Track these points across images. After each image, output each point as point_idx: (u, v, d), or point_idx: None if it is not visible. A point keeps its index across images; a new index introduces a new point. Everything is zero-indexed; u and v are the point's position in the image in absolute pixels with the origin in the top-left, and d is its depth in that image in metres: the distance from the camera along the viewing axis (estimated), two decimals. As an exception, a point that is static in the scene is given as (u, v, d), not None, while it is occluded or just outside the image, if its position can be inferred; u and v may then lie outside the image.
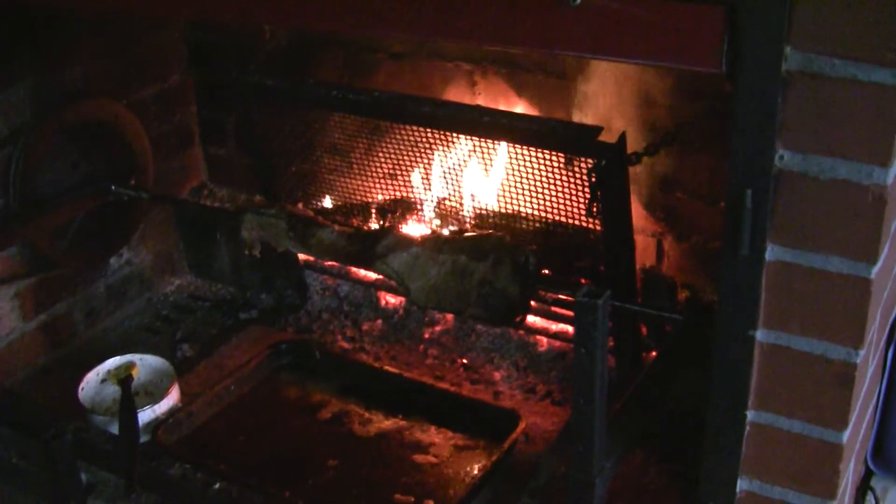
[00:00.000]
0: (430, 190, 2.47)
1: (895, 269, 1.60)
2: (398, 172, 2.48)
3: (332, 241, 2.13)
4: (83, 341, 2.70)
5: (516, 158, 2.22)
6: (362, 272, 2.71)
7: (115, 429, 2.18)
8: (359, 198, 2.60)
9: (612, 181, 2.05)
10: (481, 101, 2.52)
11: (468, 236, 2.03)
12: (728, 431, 1.54)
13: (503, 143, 2.24)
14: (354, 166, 2.55)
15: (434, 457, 2.21)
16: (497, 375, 2.50)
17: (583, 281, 2.26)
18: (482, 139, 2.28)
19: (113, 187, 2.51)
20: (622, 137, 2.01)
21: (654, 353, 2.33)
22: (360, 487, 2.12)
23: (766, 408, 1.50)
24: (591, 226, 2.17)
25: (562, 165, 2.15)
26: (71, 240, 2.56)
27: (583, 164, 2.08)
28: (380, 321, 2.71)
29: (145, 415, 2.22)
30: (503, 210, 2.35)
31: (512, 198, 2.30)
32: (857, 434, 1.64)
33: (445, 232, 2.35)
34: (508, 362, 2.52)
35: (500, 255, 1.95)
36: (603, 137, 2.03)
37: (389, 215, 2.54)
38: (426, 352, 2.60)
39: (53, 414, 2.22)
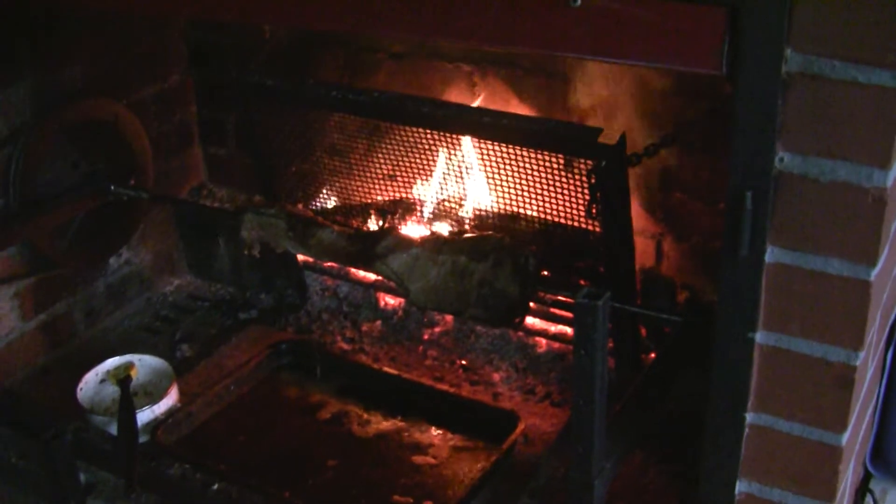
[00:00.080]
0: (429, 191, 2.47)
1: (895, 271, 1.60)
2: (398, 173, 2.48)
3: (331, 242, 2.13)
4: (83, 341, 2.70)
5: (516, 159, 2.21)
6: (362, 273, 2.71)
7: (114, 429, 2.18)
8: (358, 198, 2.60)
9: (612, 182, 2.05)
10: (481, 102, 2.52)
11: (468, 237, 2.03)
12: (727, 433, 1.54)
13: (503, 144, 2.23)
14: (354, 167, 2.55)
15: (433, 458, 2.21)
16: (496, 377, 2.49)
17: (582, 282, 2.26)
18: (482, 140, 2.28)
19: (112, 187, 2.51)
20: (622, 139, 2.00)
21: (653, 355, 2.33)
22: (359, 488, 2.12)
23: (766, 410, 1.50)
24: (590, 227, 2.17)
25: (561, 166, 2.15)
26: (70, 240, 2.56)
27: (582, 166, 2.08)
28: (379, 322, 2.71)
29: (144, 415, 2.22)
30: (503, 211, 2.35)
31: (512, 199, 2.30)
32: (856, 436, 1.64)
33: (445, 233, 2.35)
34: (508, 363, 2.52)
35: (499, 256, 1.95)
36: (602, 138, 2.03)
37: (389, 216, 2.54)
38: (425, 353, 2.60)
39: (53, 414, 2.22)
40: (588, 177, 2.07)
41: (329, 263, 2.63)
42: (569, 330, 2.46)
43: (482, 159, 2.31)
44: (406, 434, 2.28)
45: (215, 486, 2.02)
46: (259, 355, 2.50)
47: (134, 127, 2.65)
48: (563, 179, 2.16)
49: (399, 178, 2.49)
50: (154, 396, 2.33)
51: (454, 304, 2.01)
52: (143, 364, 2.42)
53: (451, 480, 2.13)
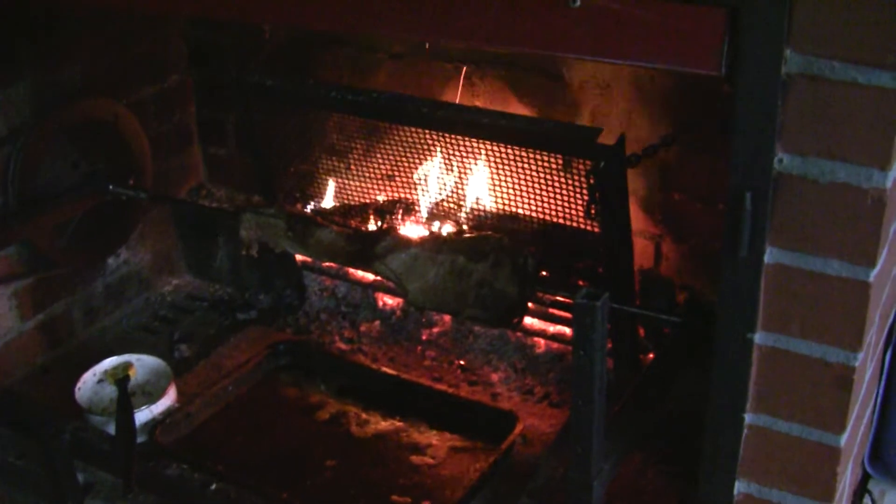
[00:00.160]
0: (428, 191, 2.47)
1: (893, 272, 1.61)
2: (397, 173, 2.48)
3: (330, 242, 2.13)
4: (81, 341, 2.70)
5: (515, 160, 2.22)
6: (360, 273, 2.71)
7: (112, 429, 2.18)
8: (358, 198, 2.60)
9: (611, 183, 2.05)
10: (480, 102, 2.52)
11: (467, 237, 2.03)
12: (727, 433, 1.54)
13: (502, 145, 2.23)
14: (353, 167, 2.55)
15: (431, 458, 2.21)
16: (495, 377, 2.49)
17: (581, 283, 2.26)
18: (481, 140, 2.28)
19: (111, 187, 2.51)
20: (621, 139, 2.01)
21: (652, 355, 2.33)
22: (357, 488, 2.12)
23: (765, 410, 1.50)
24: (589, 227, 2.17)
25: (560, 167, 2.15)
26: (69, 239, 2.55)
27: (581, 166, 2.09)
28: (378, 322, 2.71)
29: (142, 415, 2.22)
30: (502, 211, 2.35)
31: (511, 199, 2.30)
32: (854, 437, 1.65)
33: (444, 233, 2.35)
34: (506, 364, 2.52)
35: (498, 257, 1.95)
36: (602, 139, 2.03)
37: (388, 216, 2.54)
38: (424, 353, 2.60)
39: (51, 414, 2.21)
40: (587, 177, 2.07)
41: (328, 264, 2.63)
42: (567, 330, 2.46)
43: (481, 160, 2.32)
44: (405, 434, 2.28)
45: (213, 487, 2.02)
46: (258, 355, 2.50)
47: (133, 127, 2.65)
48: (562, 180, 2.16)
49: (398, 179, 2.49)
50: (152, 396, 2.33)
51: (453, 304, 2.01)
52: (142, 364, 2.41)
53: (449, 481, 2.13)
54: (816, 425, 1.48)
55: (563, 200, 2.20)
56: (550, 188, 2.20)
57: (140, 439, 2.17)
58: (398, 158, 2.44)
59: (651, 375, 1.94)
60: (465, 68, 2.50)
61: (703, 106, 2.13)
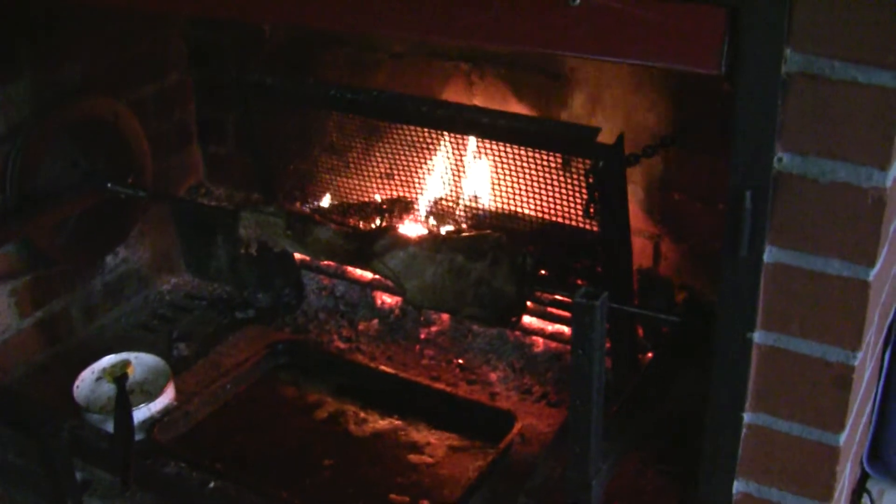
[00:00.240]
0: (427, 190, 2.47)
1: (893, 272, 1.61)
2: (396, 172, 2.48)
3: (329, 240, 2.13)
4: (80, 339, 2.69)
5: (514, 159, 2.21)
6: (359, 272, 2.71)
7: (110, 427, 2.18)
8: (357, 197, 2.60)
9: (610, 182, 2.05)
10: (479, 101, 2.52)
11: (465, 236, 2.03)
12: (726, 433, 1.54)
13: (501, 144, 2.24)
14: (352, 166, 2.55)
15: (430, 457, 2.20)
16: (493, 376, 2.49)
17: (580, 282, 2.26)
18: (480, 139, 2.28)
19: (111, 185, 2.51)
20: (620, 138, 2.01)
21: (650, 355, 2.33)
22: (355, 487, 2.12)
23: (764, 410, 1.50)
24: (588, 227, 2.17)
25: (559, 166, 2.15)
26: (68, 237, 2.55)
27: (580, 165, 2.09)
28: (376, 321, 2.71)
29: (141, 413, 2.22)
30: (501, 210, 2.35)
31: (509, 198, 2.30)
32: (854, 436, 1.65)
33: (442, 232, 2.35)
34: (505, 363, 2.52)
35: (497, 255, 1.95)
36: (601, 138, 2.03)
37: (387, 215, 2.54)
38: (422, 352, 2.60)
39: (50, 412, 2.21)
40: (586, 176, 2.07)
41: (326, 262, 2.63)
42: (566, 329, 2.46)
43: (480, 158, 2.32)
44: (403, 433, 2.28)
45: (211, 485, 2.02)
46: (256, 354, 2.50)
47: (133, 125, 2.65)
48: (561, 179, 2.16)
49: (397, 177, 2.49)
50: (151, 395, 2.33)
51: (451, 302, 2.01)
52: (140, 362, 2.41)
53: (447, 480, 2.13)
54: (816, 425, 1.48)
55: (562, 199, 2.20)
56: (549, 187, 2.20)
57: (138, 437, 2.16)
58: (397, 157, 2.44)
59: (650, 375, 1.94)
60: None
61: (704, 106, 2.13)
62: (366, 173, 2.54)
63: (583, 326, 1.49)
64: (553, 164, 2.16)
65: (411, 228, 2.49)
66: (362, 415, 2.35)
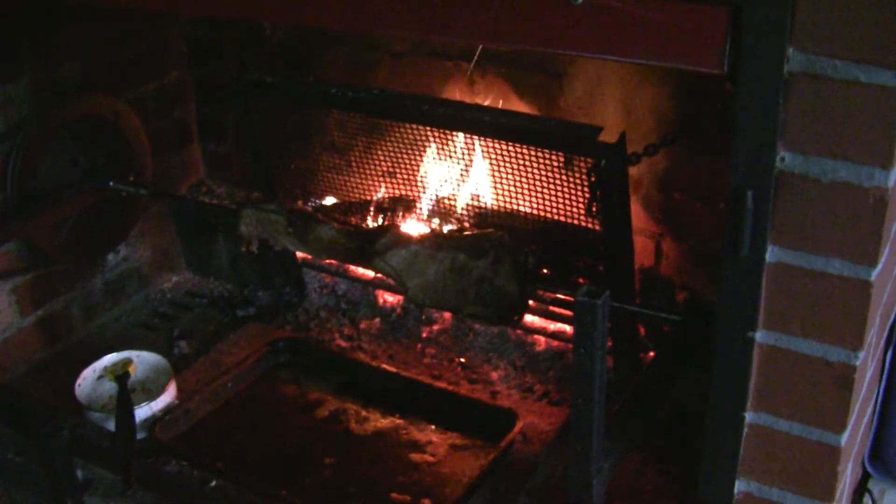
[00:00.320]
0: (429, 188, 2.47)
1: (895, 272, 1.60)
2: (397, 170, 2.48)
3: (330, 239, 2.13)
4: (80, 337, 2.70)
5: (516, 157, 2.21)
6: (360, 270, 2.71)
7: (111, 425, 2.18)
8: (358, 196, 2.60)
9: (612, 181, 2.04)
10: (480, 99, 2.52)
11: (467, 234, 2.03)
12: (727, 433, 1.54)
13: (503, 142, 2.23)
14: (354, 164, 2.55)
15: (431, 456, 2.20)
16: (495, 375, 2.49)
17: (581, 280, 2.26)
18: (482, 138, 2.28)
19: (111, 183, 2.51)
20: (622, 137, 2.00)
21: (652, 354, 2.33)
22: (356, 486, 2.12)
23: (765, 409, 1.50)
24: (590, 225, 2.17)
25: (561, 165, 2.14)
26: (69, 236, 2.55)
27: (582, 164, 2.08)
28: (377, 319, 2.71)
29: (142, 412, 2.22)
30: (502, 209, 2.35)
31: (511, 197, 2.30)
32: (855, 436, 1.64)
33: (444, 230, 2.35)
34: (506, 362, 2.52)
35: (499, 254, 1.94)
36: (603, 137, 2.03)
37: (388, 213, 2.54)
38: (424, 351, 2.60)
39: (50, 410, 2.21)
40: (588, 175, 2.07)
41: (328, 261, 2.63)
42: (567, 328, 2.46)
43: (482, 157, 2.31)
44: (404, 432, 2.28)
45: (213, 484, 2.02)
46: (257, 352, 2.50)
47: (133, 123, 2.65)
48: (563, 177, 2.16)
49: (399, 176, 2.49)
50: (152, 393, 2.33)
51: (453, 301, 2.00)
52: (141, 361, 2.41)
53: (448, 478, 2.13)
54: (817, 424, 1.47)
55: (563, 198, 2.20)
56: (551, 186, 2.20)
57: (139, 436, 2.16)
58: (399, 156, 2.43)
59: (651, 374, 1.94)
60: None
61: (704, 105, 2.13)
62: (367, 172, 2.54)
63: (584, 325, 1.49)
64: (555, 163, 2.15)
65: (413, 227, 2.49)
66: (363, 413, 2.35)
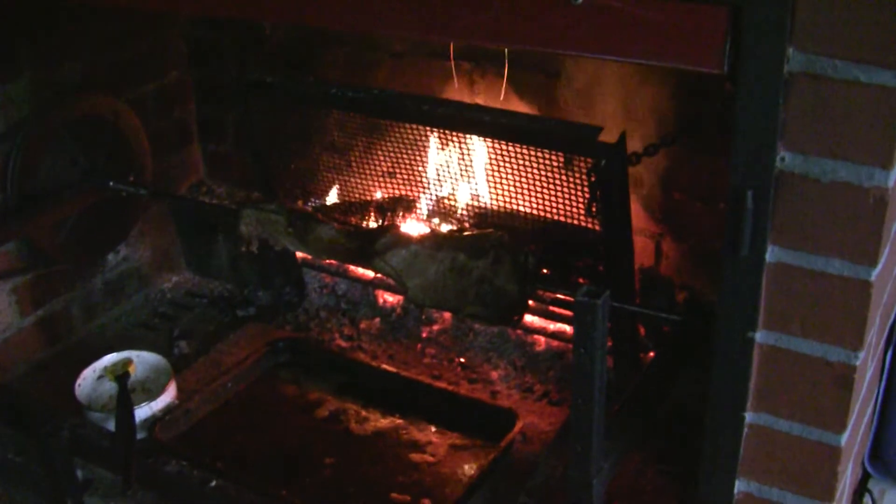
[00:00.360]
0: (429, 188, 2.47)
1: (895, 272, 1.60)
2: (397, 171, 2.48)
3: (330, 239, 2.13)
4: (80, 337, 2.70)
5: (516, 157, 2.21)
6: (360, 270, 2.71)
7: (111, 425, 2.17)
8: (358, 196, 2.60)
9: (612, 181, 2.04)
10: (480, 100, 2.52)
11: (467, 234, 2.03)
12: (727, 433, 1.54)
13: (503, 142, 2.23)
14: (354, 164, 2.55)
15: (431, 456, 2.20)
16: (494, 375, 2.49)
17: (581, 280, 2.26)
18: (482, 138, 2.28)
19: (111, 183, 2.51)
20: (622, 137, 2.00)
21: (652, 354, 2.33)
22: (356, 486, 2.12)
23: (765, 409, 1.50)
24: (590, 225, 2.17)
25: (561, 165, 2.15)
26: (68, 236, 2.55)
27: (582, 164, 2.08)
28: (377, 319, 2.71)
29: (142, 412, 2.22)
30: (502, 209, 2.35)
31: (511, 197, 2.30)
32: (855, 436, 1.64)
33: (444, 230, 2.35)
34: (506, 361, 2.52)
35: (499, 254, 1.94)
36: (603, 137, 2.03)
37: (389, 213, 2.54)
38: (424, 351, 2.60)
39: (50, 410, 2.21)
40: (588, 175, 2.07)
41: (328, 261, 2.63)
42: (567, 328, 2.46)
43: (482, 157, 2.31)
44: (404, 432, 2.28)
45: (213, 484, 2.01)
46: (257, 352, 2.50)
47: (133, 123, 2.65)
48: (563, 177, 2.16)
49: (399, 176, 2.49)
50: (152, 393, 2.33)
51: (453, 301, 2.00)
52: (141, 361, 2.41)
53: (448, 478, 2.13)
54: (817, 424, 1.47)
55: (563, 198, 2.20)
56: (551, 186, 2.20)
57: (139, 436, 2.16)
58: (399, 156, 2.43)
59: (651, 374, 1.94)
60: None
61: (704, 105, 2.13)
62: (367, 172, 2.54)
63: (584, 325, 1.49)
64: (555, 163, 2.15)
65: (413, 227, 2.49)
66: (363, 413, 2.34)
